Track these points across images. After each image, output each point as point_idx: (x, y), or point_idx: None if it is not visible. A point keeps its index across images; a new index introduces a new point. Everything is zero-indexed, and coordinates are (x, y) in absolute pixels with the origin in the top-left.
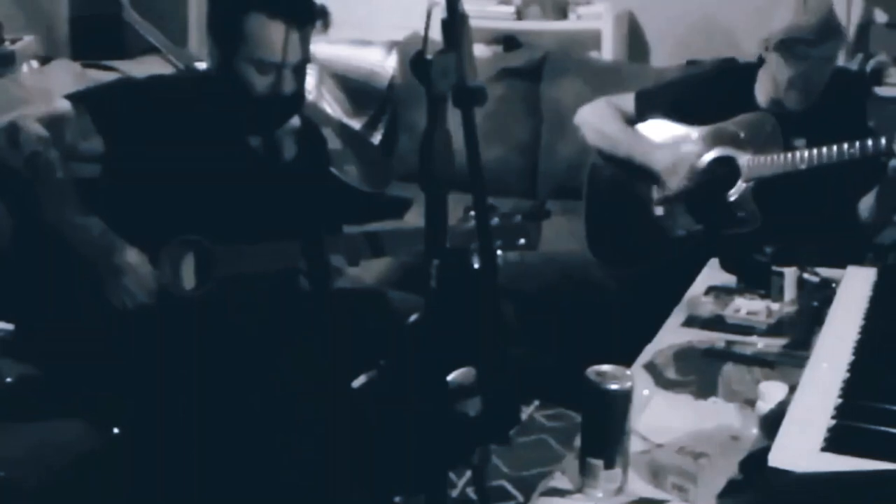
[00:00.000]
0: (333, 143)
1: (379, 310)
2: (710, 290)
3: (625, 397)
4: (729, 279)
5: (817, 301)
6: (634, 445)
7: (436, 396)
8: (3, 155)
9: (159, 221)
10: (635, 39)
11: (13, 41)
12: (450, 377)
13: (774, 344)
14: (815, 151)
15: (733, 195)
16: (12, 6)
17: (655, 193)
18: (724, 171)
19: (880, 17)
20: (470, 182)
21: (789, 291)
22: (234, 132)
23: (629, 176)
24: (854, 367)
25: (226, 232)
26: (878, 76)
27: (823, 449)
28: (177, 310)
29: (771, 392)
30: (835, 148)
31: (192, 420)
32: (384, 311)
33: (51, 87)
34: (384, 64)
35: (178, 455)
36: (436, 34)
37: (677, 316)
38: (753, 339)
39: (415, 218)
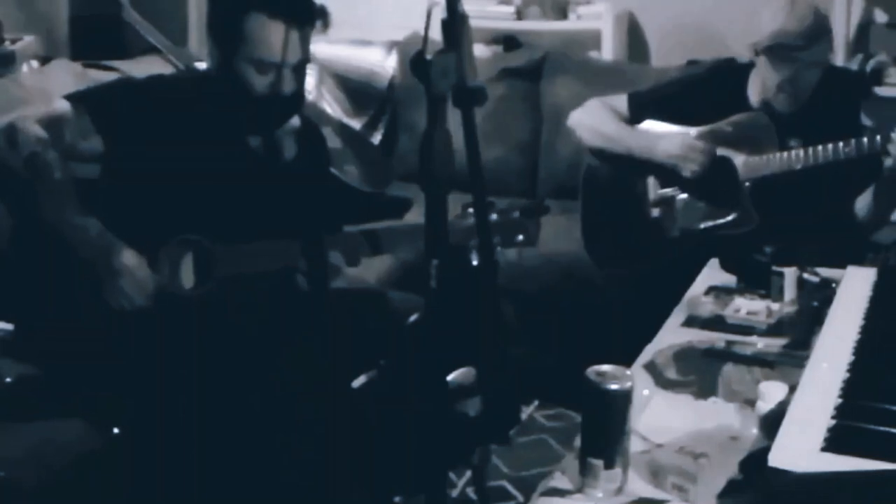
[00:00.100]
0: (333, 143)
1: (379, 310)
2: (710, 290)
3: (625, 397)
4: (729, 279)
5: (817, 301)
6: (634, 445)
7: (436, 396)
8: (3, 156)
9: (159, 221)
10: (635, 39)
11: (13, 41)
12: (450, 377)
13: (774, 344)
14: (810, 151)
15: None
16: (12, 6)
17: (652, 194)
18: (720, 171)
19: (880, 17)
20: (470, 182)
21: (789, 291)
22: (234, 132)
23: (626, 175)
24: (854, 367)
25: (225, 232)
26: (878, 76)
27: (823, 449)
28: (176, 310)
29: (771, 392)
30: (830, 147)
31: (191, 420)
32: (384, 311)
33: (51, 87)
34: (384, 64)
35: (178, 455)
36: (436, 34)
37: (677, 316)
38: (753, 339)
39: (415, 218)
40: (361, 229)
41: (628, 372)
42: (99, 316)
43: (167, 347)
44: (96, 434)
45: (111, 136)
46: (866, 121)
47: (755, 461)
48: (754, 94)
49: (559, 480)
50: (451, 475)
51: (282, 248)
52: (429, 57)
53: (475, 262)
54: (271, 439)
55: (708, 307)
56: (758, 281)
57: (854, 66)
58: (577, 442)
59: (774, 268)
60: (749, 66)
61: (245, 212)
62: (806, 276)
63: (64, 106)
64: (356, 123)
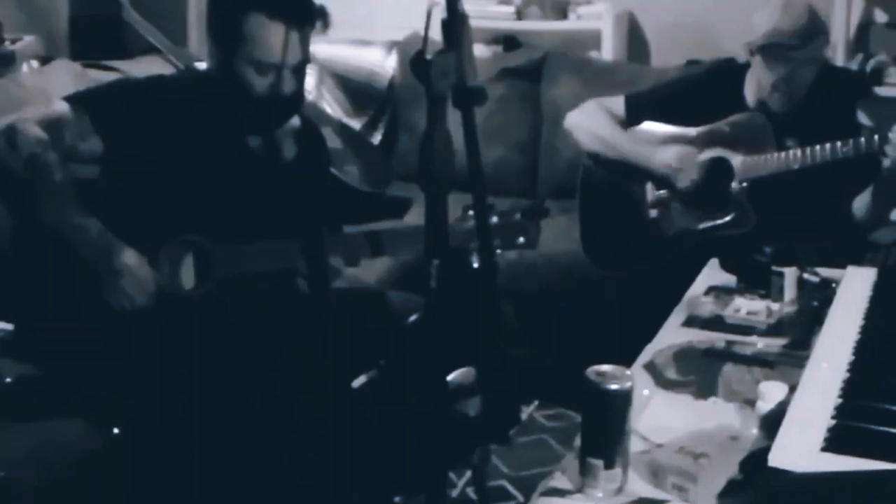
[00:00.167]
0: (333, 143)
1: (379, 310)
2: (710, 290)
3: (625, 397)
4: (729, 279)
5: (817, 301)
6: (634, 445)
7: (436, 396)
8: (3, 157)
9: (159, 222)
10: (635, 39)
11: (13, 41)
12: (450, 377)
13: (774, 344)
14: (807, 151)
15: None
16: (12, 6)
17: (650, 195)
18: (718, 172)
19: (880, 17)
20: (470, 182)
21: (789, 291)
22: (233, 132)
23: (623, 178)
24: (854, 367)
25: (225, 232)
26: (878, 76)
27: (823, 449)
28: (177, 310)
29: (771, 392)
30: (827, 147)
31: (191, 420)
32: (384, 311)
33: (51, 87)
34: (384, 64)
35: (178, 455)
36: (436, 34)
37: (677, 316)
38: (753, 339)
39: (415, 218)
40: (362, 231)
41: (628, 372)
42: (99, 316)
43: (167, 347)
44: (96, 434)
45: (111, 136)
46: (867, 121)
47: (755, 461)
48: (750, 94)
49: (559, 480)
50: (451, 475)
51: (282, 248)
52: (429, 57)
53: (476, 265)
54: (271, 439)
55: (708, 307)
56: (758, 281)
57: (854, 66)
58: (577, 442)
59: (774, 268)
60: (747, 67)
61: (245, 212)
62: (806, 276)
63: (63, 107)
64: (356, 123)
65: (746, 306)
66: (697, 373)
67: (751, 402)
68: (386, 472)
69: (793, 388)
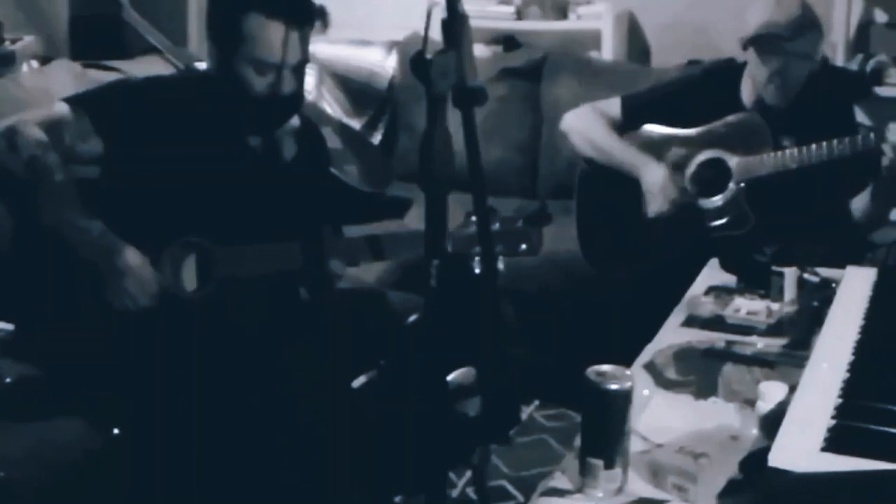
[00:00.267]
0: (333, 143)
1: (379, 310)
2: (710, 290)
3: (625, 397)
4: (729, 279)
5: (817, 301)
6: (634, 445)
7: (436, 396)
8: (3, 159)
9: (159, 222)
10: (635, 39)
11: (13, 41)
12: (450, 377)
13: (774, 344)
14: (804, 150)
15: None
16: (12, 6)
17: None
18: (715, 173)
19: (880, 17)
20: (470, 182)
21: (789, 291)
22: (233, 132)
23: (620, 178)
24: (854, 367)
25: (226, 233)
26: (878, 76)
27: (823, 449)
28: (177, 311)
29: (771, 392)
30: (825, 146)
31: (192, 420)
32: (384, 311)
33: (51, 87)
34: (384, 64)
35: (178, 455)
36: (436, 34)
37: (677, 316)
38: (753, 339)
39: (415, 218)
40: (363, 235)
41: (628, 372)
42: (99, 316)
43: (168, 348)
44: (96, 434)
45: (111, 137)
46: (866, 120)
47: (755, 461)
48: (747, 93)
49: (559, 480)
50: (451, 475)
51: (282, 249)
52: (429, 57)
53: (477, 271)
54: (271, 439)
55: (708, 307)
56: (758, 281)
57: (854, 65)
58: (577, 442)
59: (774, 268)
60: (742, 67)
61: (245, 212)
62: (806, 276)
63: (63, 108)
64: (356, 123)
65: (746, 306)
66: (697, 373)
67: (751, 402)
68: (386, 472)
69: (793, 388)
